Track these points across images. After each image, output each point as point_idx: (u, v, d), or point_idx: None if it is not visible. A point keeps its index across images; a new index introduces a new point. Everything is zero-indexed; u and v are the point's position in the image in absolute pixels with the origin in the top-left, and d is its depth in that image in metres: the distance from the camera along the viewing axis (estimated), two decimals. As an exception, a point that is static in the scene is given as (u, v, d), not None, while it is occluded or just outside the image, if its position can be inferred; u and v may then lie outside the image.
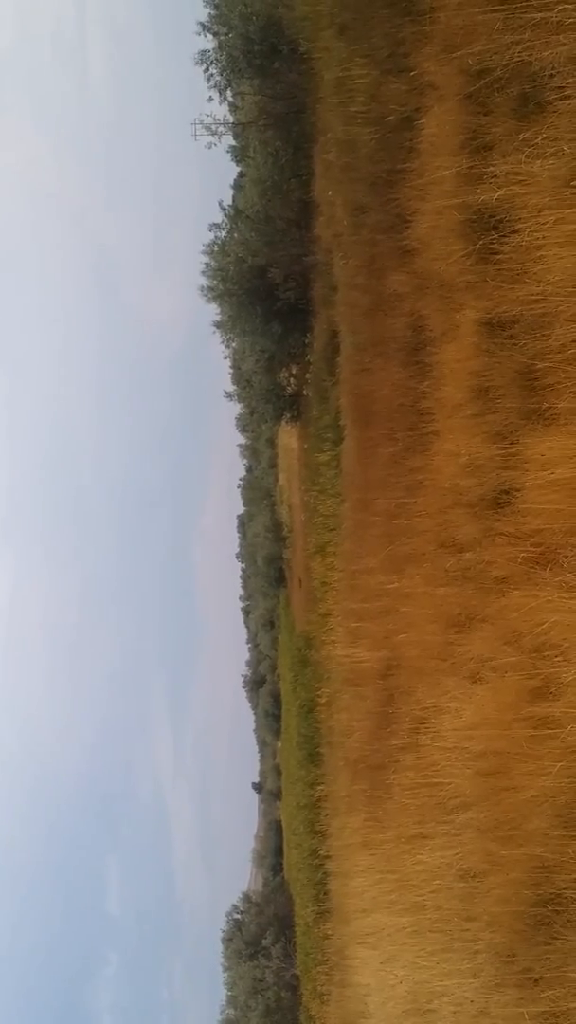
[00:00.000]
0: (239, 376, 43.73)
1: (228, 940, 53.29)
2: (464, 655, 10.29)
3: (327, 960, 23.51)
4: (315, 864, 28.86)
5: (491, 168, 9.29)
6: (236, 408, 61.94)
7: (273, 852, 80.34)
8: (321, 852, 25.63)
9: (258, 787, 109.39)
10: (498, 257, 9.45)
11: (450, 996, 9.71)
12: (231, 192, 40.58)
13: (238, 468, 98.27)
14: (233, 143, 39.41)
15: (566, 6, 7.67)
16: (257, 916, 54.35)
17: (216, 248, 31.74)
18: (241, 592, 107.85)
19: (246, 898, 59.46)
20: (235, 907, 57.20)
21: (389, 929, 12.11)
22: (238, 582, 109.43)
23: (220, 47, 29.92)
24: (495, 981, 8.68)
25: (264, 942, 50.00)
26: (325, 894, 25.49)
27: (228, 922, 55.44)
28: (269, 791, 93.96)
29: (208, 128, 33.32)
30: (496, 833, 8.60)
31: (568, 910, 7.37)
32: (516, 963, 8.28)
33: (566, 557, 7.84)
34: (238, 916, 55.70)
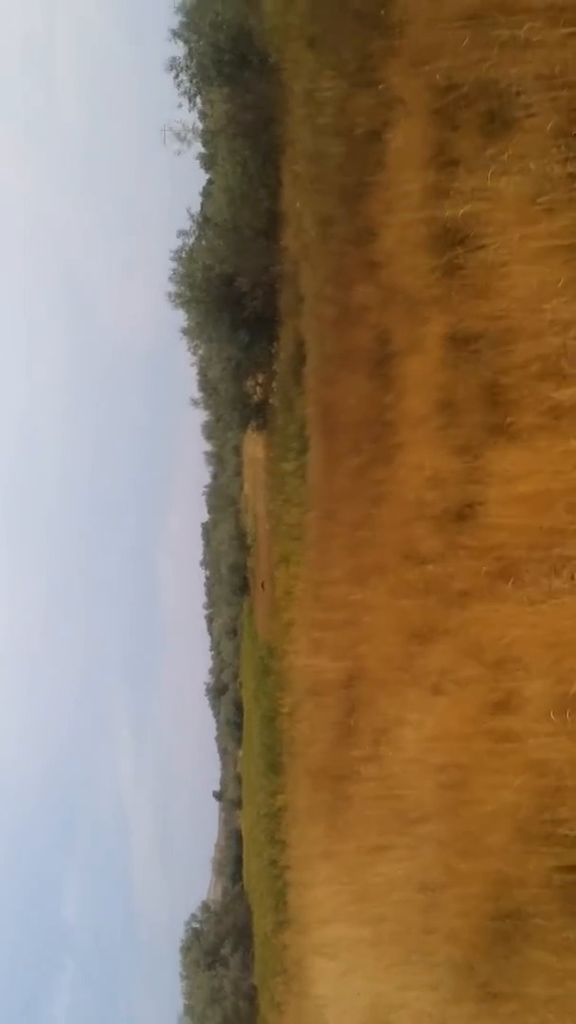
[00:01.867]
0: (205, 383, 43.65)
1: (186, 949, 53.03)
2: (426, 667, 10.32)
3: (285, 970, 23.45)
4: (275, 874, 28.80)
5: (457, 183, 9.34)
6: (202, 415, 61.83)
7: (233, 861, 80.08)
8: (281, 862, 25.59)
9: (219, 796, 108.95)
10: (463, 272, 9.50)
11: (408, 1009, 9.72)
12: (200, 199, 40.51)
13: (203, 475, 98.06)
14: (202, 150, 39.39)
15: (533, 24, 7.73)
16: (216, 925, 54.15)
17: (184, 255, 31.68)
18: (204, 600, 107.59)
19: (205, 907, 59.22)
20: (194, 916, 56.93)
21: (348, 940, 12.10)
22: (202, 590, 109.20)
23: (190, 54, 29.91)
24: (454, 994, 8.68)
25: (223, 952, 49.82)
26: (284, 904, 25.43)
27: (187, 931, 55.16)
28: (230, 800, 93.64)
29: (177, 135, 33.24)
30: (456, 846, 8.62)
31: (527, 925, 7.39)
32: (475, 977, 8.30)
33: (528, 571, 7.88)
34: (197, 925, 55.45)
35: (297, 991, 18.85)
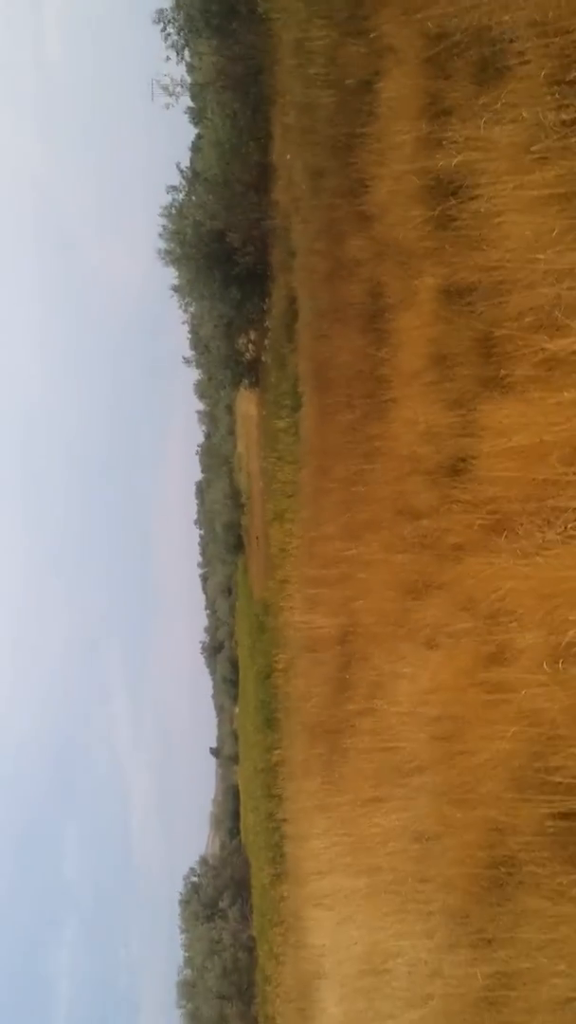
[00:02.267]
0: (197, 341, 43.41)
1: (185, 903, 53.69)
2: (420, 621, 10.37)
3: (283, 922, 23.79)
4: (272, 827, 29.09)
5: (450, 133, 9.23)
6: (194, 374, 61.53)
7: (230, 816, 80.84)
8: (277, 815, 25.83)
9: (216, 752, 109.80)
10: (456, 224, 9.42)
11: (404, 957, 9.86)
12: (189, 154, 40.05)
13: (196, 434, 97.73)
14: (191, 104, 38.90)
15: (527, -30, 7.62)
16: (214, 879, 54.77)
17: (173, 211, 31.38)
18: (199, 559, 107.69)
19: (203, 861, 59.85)
20: (192, 870, 57.57)
21: (344, 891, 12.26)
22: (196, 549, 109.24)
23: (178, 5, 29.47)
24: (449, 942, 8.81)
25: (221, 904, 50.45)
26: (281, 857, 25.73)
27: (185, 885, 55.81)
28: (226, 756, 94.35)
29: (165, 88, 32.82)
30: (450, 796, 8.70)
31: (520, 872, 7.48)
32: (469, 924, 8.42)
33: (521, 524, 7.89)
34: (195, 879, 56.08)
35: (295, 941, 19.11)
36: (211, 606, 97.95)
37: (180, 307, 34.80)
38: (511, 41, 8.24)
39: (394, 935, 10.12)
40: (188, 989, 50.50)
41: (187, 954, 51.52)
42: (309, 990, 16.45)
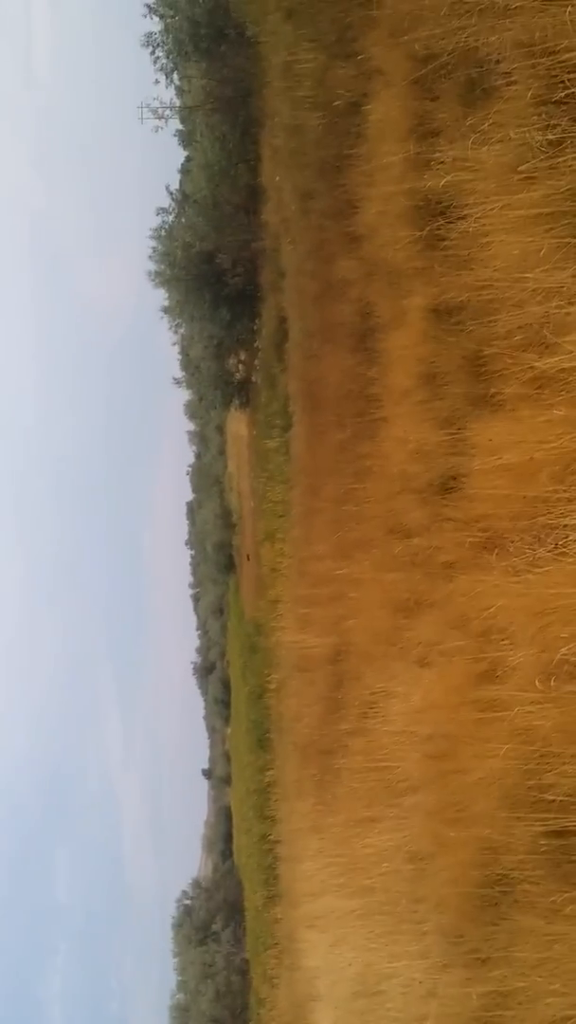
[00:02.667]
0: (187, 362, 43.53)
1: (178, 926, 53.46)
2: (412, 640, 10.35)
3: (277, 944, 23.63)
4: (265, 849, 28.99)
5: (438, 154, 9.28)
6: (185, 395, 61.67)
7: (223, 838, 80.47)
8: (270, 837, 25.73)
9: (208, 773, 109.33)
10: (445, 243, 9.46)
11: (399, 977, 9.79)
12: (178, 176, 40.27)
13: (187, 455, 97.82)
14: (180, 127, 39.14)
15: (512, -9, 7.68)
16: (207, 901, 54.57)
17: (163, 233, 31.57)
18: (190, 579, 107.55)
19: (196, 884, 59.66)
20: (185, 893, 57.37)
21: (338, 912, 12.18)
22: (187, 569, 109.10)
23: (167, 29, 29.73)
24: (443, 962, 8.76)
25: (214, 927, 50.24)
26: (275, 878, 25.61)
27: (178, 908, 55.61)
28: (219, 777, 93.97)
29: (154, 112, 33.05)
30: (444, 815, 8.66)
31: (514, 891, 7.45)
32: (463, 944, 8.37)
33: (512, 542, 7.90)
34: (188, 902, 55.88)
35: (289, 964, 19.00)
36: (202, 626, 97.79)
37: (170, 328, 35.00)
38: (498, 62, 8.31)
39: (388, 956, 10.05)
40: (181, 1013, 50.22)
41: (180, 977, 51.27)
42: (303, 1012, 16.34)
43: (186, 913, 54.00)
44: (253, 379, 34.73)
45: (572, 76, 7.04)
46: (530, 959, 7.03)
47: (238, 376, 36.77)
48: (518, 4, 7.45)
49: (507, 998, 7.43)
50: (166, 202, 32.99)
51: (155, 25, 30.07)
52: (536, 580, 7.18)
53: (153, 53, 30.48)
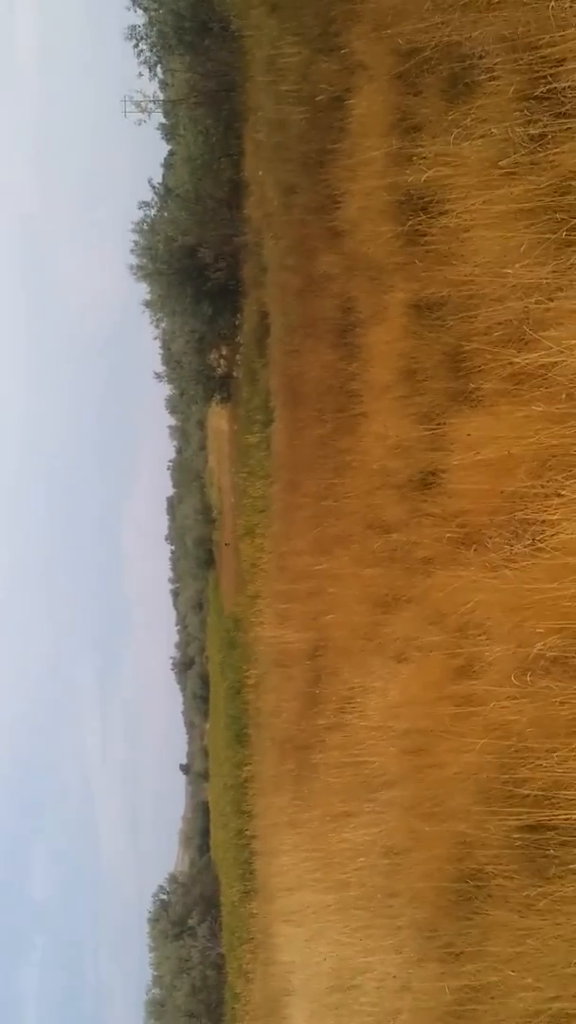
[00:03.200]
0: (169, 357, 43.46)
1: (154, 921, 53.36)
2: (390, 635, 10.37)
3: (252, 939, 23.65)
4: (241, 844, 28.99)
5: (420, 149, 9.29)
6: (166, 389, 61.54)
7: (200, 833, 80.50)
8: (247, 832, 25.74)
9: (186, 768, 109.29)
10: (426, 239, 9.46)
11: (373, 972, 9.81)
12: (161, 170, 40.16)
13: (168, 450, 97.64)
14: (163, 121, 39.08)
15: (495, -13, 7.68)
16: (183, 896, 54.49)
17: (145, 227, 31.46)
18: (170, 574, 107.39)
19: (172, 879, 59.57)
20: (161, 888, 57.26)
21: (314, 907, 12.19)
22: (167, 564, 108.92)
23: (150, 22, 29.63)
24: (417, 956, 8.77)
25: (190, 922, 50.18)
26: (251, 873, 25.61)
27: (154, 903, 55.49)
28: (197, 772, 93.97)
29: (138, 105, 32.98)
30: (419, 810, 8.68)
31: (488, 885, 7.46)
32: (438, 938, 8.38)
33: (490, 537, 7.91)
34: (164, 897, 55.78)
35: (264, 958, 19.01)
36: (182, 621, 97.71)
37: (152, 322, 34.87)
38: (480, 57, 8.31)
39: (363, 951, 10.07)
40: (157, 1008, 50.19)
41: (156, 972, 51.20)
42: (278, 1007, 16.35)
43: (162, 908, 53.92)
44: (234, 374, 34.71)
45: (554, 71, 7.04)
46: (504, 953, 7.05)
47: (219, 371, 36.73)
48: (501, -1, 7.46)
49: (480, 992, 7.45)
50: (149, 196, 32.93)
51: (139, 18, 30.00)
52: (513, 576, 7.20)
53: (137, 46, 30.40)
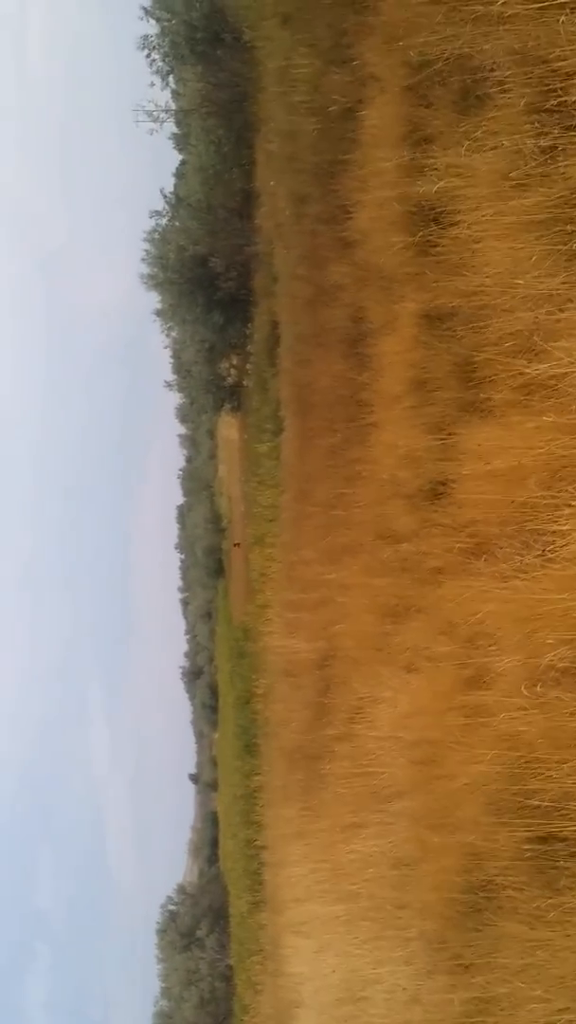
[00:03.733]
0: (179, 366, 43.56)
1: (162, 932, 53.27)
2: (400, 645, 10.35)
3: (261, 950, 23.59)
4: (250, 854, 28.93)
5: (431, 160, 9.31)
6: (176, 398, 61.69)
7: (209, 843, 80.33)
8: (256, 842, 25.68)
9: (195, 778, 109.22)
10: (437, 249, 9.48)
11: (383, 984, 9.78)
12: (173, 180, 40.30)
13: (178, 458, 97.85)
14: (175, 130, 39.20)
15: None
16: (192, 907, 54.39)
17: (157, 236, 31.57)
18: (179, 583, 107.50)
19: (181, 889, 59.47)
20: (170, 898, 57.18)
21: (323, 918, 12.17)
22: (176, 573, 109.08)
23: (163, 32, 29.77)
24: (427, 968, 8.75)
25: (198, 933, 50.06)
26: (260, 884, 25.55)
27: (163, 913, 55.41)
28: (205, 782, 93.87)
29: (150, 114, 33.09)
30: (429, 821, 8.66)
31: (498, 897, 7.44)
32: (447, 950, 8.36)
33: (500, 548, 7.91)
34: (173, 907, 55.68)
35: (273, 970, 18.95)
36: (191, 631, 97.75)
37: (162, 331, 34.98)
38: (492, 70, 8.33)
39: (372, 962, 10.04)
40: (165, 1020, 50.05)
41: (164, 984, 51.06)
42: (287, 1019, 16.29)
43: (170, 918, 53.83)
44: (245, 383, 34.77)
45: (564, 84, 7.06)
46: (513, 965, 7.03)
47: (230, 380, 36.79)
48: (512, 12, 7.48)
49: (490, 1004, 7.42)
50: (160, 205, 33.04)
51: (151, 28, 30.14)
52: (523, 586, 7.19)
53: (149, 56, 30.53)
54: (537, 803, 6.85)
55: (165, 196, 33.48)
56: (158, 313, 33.57)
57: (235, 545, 46.04)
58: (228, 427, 47.97)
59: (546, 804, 6.79)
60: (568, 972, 6.49)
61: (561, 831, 6.73)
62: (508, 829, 7.22)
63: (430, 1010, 8.46)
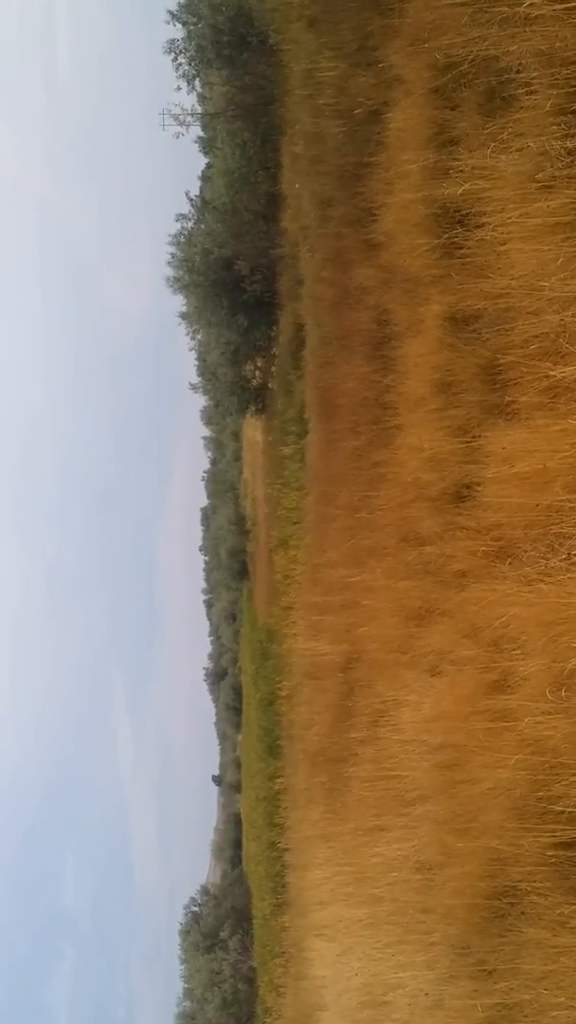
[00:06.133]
0: (204, 368, 43.70)
1: (186, 933, 53.33)
2: (424, 648, 10.32)
3: (284, 952, 23.58)
4: (273, 856, 28.94)
5: (457, 162, 9.29)
6: (201, 400, 61.91)
7: (232, 845, 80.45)
8: (279, 845, 25.69)
9: (218, 780, 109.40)
10: (463, 252, 9.46)
11: (405, 988, 9.74)
12: (198, 183, 40.41)
13: (202, 460, 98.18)
14: (201, 134, 39.35)
15: (533, 0, 7.68)
16: (215, 909, 54.42)
17: (183, 239, 31.65)
18: (204, 585, 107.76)
19: (204, 891, 59.53)
20: (193, 900, 57.26)
21: (346, 921, 12.14)
22: (201, 575, 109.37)
23: (189, 36, 29.82)
24: (449, 973, 8.71)
25: (222, 935, 50.08)
26: (283, 886, 25.55)
27: (186, 915, 55.49)
28: (229, 784, 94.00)
29: (176, 118, 33.22)
30: (452, 825, 8.63)
31: (522, 902, 7.40)
32: (470, 955, 8.32)
33: (525, 551, 7.87)
34: (196, 909, 55.75)
35: (296, 973, 18.94)
36: (215, 632, 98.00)
37: (188, 334, 35.09)
38: (518, 71, 8.30)
39: (395, 966, 10.01)
40: (188, 1021, 50.08)
41: (187, 985, 51.12)
42: (309, 1022, 16.27)
43: (194, 920, 53.90)
44: (269, 385, 34.79)
45: (591, 85, 7.03)
46: (536, 971, 6.99)
47: (254, 382, 36.84)
48: (538, 14, 7.45)
49: (513, 1010, 7.38)
50: (186, 208, 33.14)
51: (178, 32, 30.22)
52: (548, 590, 7.15)
53: (175, 60, 30.59)
54: (561, 808, 6.81)
55: (191, 199, 33.58)
56: (183, 316, 33.67)
57: (261, 542, 45.99)
58: (253, 429, 48.06)
59: (570, 809, 6.75)
60: (592, 979, 6.45)
61: (585, 837, 6.69)
62: (532, 834, 7.18)
63: (452, 1015, 8.42)
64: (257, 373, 36.41)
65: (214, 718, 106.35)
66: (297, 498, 23.49)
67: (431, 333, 10.77)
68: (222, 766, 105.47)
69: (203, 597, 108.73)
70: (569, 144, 7.25)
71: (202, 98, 34.16)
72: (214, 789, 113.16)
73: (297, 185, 22.80)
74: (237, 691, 77.88)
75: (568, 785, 6.72)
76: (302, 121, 19.51)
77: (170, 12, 29.97)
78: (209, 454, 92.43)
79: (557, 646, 6.99)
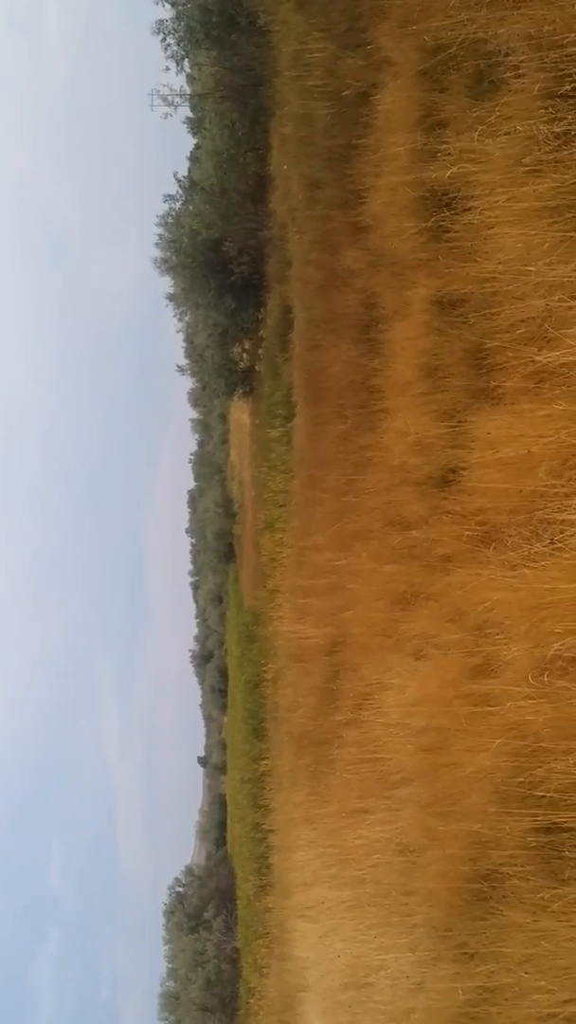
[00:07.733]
0: (192, 350, 43.56)
1: (170, 913, 53.53)
2: (408, 632, 10.34)
3: (267, 933, 23.73)
4: (258, 838, 29.04)
5: (445, 145, 9.25)
6: (188, 382, 61.76)
7: (217, 826, 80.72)
8: (264, 826, 25.78)
9: (203, 761, 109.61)
10: (450, 235, 9.43)
11: (387, 970, 9.80)
12: (187, 164, 40.18)
13: (189, 443, 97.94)
14: (189, 114, 39.05)
15: (523, -17, 7.63)
16: (199, 889, 54.62)
17: (170, 220, 31.47)
18: (190, 567, 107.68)
19: (189, 871, 59.72)
20: (177, 880, 57.44)
21: (329, 903, 12.20)
22: (187, 557, 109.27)
23: (178, 17, 29.57)
24: (431, 956, 8.76)
25: (206, 915, 50.27)
26: (267, 868, 25.64)
27: (170, 895, 55.67)
28: (214, 765, 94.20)
29: (164, 99, 32.91)
30: (435, 808, 8.66)
31: (503, 886, 7.44)
32: (452, 938, 8.37)
33: (509, 536, 7.88)
34: (180, 889, 55.94)
35: (279, 953, 19.06)
36: (201, 615, 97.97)
37: (175, 316, 34.92)
38: (506, 54, 8.27)
39: (377, 948, 10.06)
40: (171, 1001, 50.30)
41: (170, 965, 51.31)
42: (292, 1003, 16.39)
43: (178, 900, 54.07)
44: (257, 368, 34.68)
45: (580, 69, 7.00)
46: (517, 955, 7.03)
47: (242, 365, 36.73)
48: (527, -5, 7.41)
49: (493, 994, 7.43)
50: (174, 189, 32.94)
51: (166, 12, 29.96)
52: (532, 575, 7.16)
53: (164, 40, 30.34)
54: (542, 793, 6.84)
55: (179, 180, 33.38)
56: (171, 297, 33.51)
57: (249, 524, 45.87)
58: (240, 412, 47.93)
59: (552, 794, 6.78)
60: (572, 963, 6.49)
61: (567, 821, 6.72)
62: (514, 818, 7.22)
63: (434, 998, 8.48)
64: (244, 355, 36.28)
65: (200, 700, 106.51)
66: (284, 481, 23.47)
67: (418, 317, 10.74)
68: (207, 748, 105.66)
69: (190, 579, 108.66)
70: (557, 128, 7.23)
71: (191, 79, 33.87)
72: (199, 770, 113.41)
73: (285, 167, 22.69)
74: (223, 673, 77.94)
75: (549, 770, 6.75)
76: (291, 102, 19.38)
77: (158, -8, 29.71)
78: (196, 436, 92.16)
79: (539, 631, 7.01)
